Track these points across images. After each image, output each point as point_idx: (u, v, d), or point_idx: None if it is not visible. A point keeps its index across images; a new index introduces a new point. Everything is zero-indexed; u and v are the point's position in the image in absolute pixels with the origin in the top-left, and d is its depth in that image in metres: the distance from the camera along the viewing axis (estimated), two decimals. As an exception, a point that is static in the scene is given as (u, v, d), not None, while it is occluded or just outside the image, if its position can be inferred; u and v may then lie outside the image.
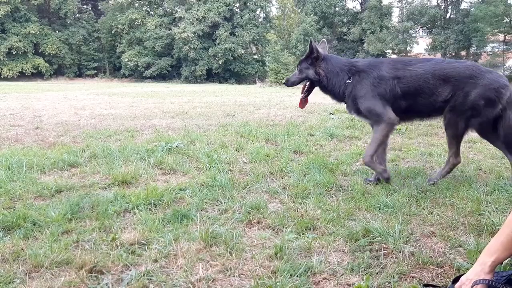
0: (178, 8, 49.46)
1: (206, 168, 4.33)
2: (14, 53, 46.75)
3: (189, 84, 42.65)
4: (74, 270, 2.14)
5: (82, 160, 4.65)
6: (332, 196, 3.46)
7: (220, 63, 47.40)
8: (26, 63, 47.50)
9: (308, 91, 4.01)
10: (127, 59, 48.56)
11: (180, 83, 44.23)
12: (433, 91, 3.59)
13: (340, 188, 3.66)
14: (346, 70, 3.80)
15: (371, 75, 3.69)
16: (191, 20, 46.90)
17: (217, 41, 47.77)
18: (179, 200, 3.37)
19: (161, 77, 49.11)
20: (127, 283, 2.03)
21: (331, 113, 9.40)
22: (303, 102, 4.08)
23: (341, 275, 2.10)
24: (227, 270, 2.15)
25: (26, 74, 47.10)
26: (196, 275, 2.09)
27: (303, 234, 2.63)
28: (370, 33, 45.69)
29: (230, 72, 49.27)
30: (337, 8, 50.37)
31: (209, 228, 2.61)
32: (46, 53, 48.62)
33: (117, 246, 2.45)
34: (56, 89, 24.31)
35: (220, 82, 46.46)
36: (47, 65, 48.81)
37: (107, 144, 5.54)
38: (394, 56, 49.66)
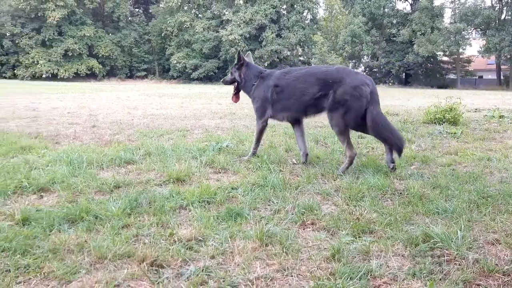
0: (226, 10, 50.12)
1: (256, 168, 4.35)
2: (70, 54, 49.02)
3: (235, 85, 43.05)
4: (136, 263, 2.21)
5: (138, 157, 4.79)
6: (388, 200, 3.38)
7: (266, 65, 47.56)
8: (81, 64, 49.68)
9: (237, 89, 4.97)
10: (175, 61, 49.74)
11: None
12: (303, 92, 4.35)
13: (395, 192, 3.58)
14: (256, 76, 4.71)
15: (265, 82, 4.61)
16: (238, 23, 47.42)
17: (263, 43, 48.01)
18: (231, 199, 3.40)
19: (208, 78, 49.92)
20: (187, 278, 2.07)
21: (381, 116, 9.18)
22: (235, 97, 5.07)
23: (403, 280, 2.05)
24: (285, 270, 2.15)
25: (81, 75, 49.27)
26: (254, 273, 2.10)
27: (359, 237, 2.58)
28: (420, 34, 44.42)
29: (275, 74, 49.36)
30: (386, 9, 49.33)
31: (264, 228, 2.62)
32: (100, 55, 50.66)
33: (175, 242, 2.50)
34: (109, 90, 25.25)
35: (266, 84, 46.65)
36: (100, 66, 50.83)
37: (160, 143, 5.68)
38: (445, 58, 48.09)
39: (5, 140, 5.60)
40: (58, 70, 48.51)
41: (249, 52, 5.30)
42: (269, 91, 4.53)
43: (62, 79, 47.13)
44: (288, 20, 48.91)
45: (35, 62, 48.08)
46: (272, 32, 47.73)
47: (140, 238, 2.58)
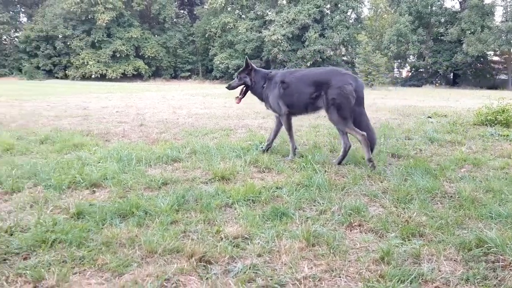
0: (269, 11, 50.12)
1: (300, 168, 4.34)
2: (118, 55, 50.60)
3: (277, 85, 43.03)
4: (185, 258, 2.25)
5: (184, 155, 4.88)
6: (438, 203, 3.28)
7: (309, 65, 47.22)
8: (128, 65, 51.17)
9: (244, 93, 5.30)
10: (218, 62, 50.29)
11: (269, 85, 44.78)
12: (302, 91, 4.79)
13: (446, 195, 3.47)
14: (264, 78, 5.12)
15: (273, 81, 5.03)
16: (281, 23, 47.33)
17: (306, 43, 47.68)
18: (276, 198, 3.41)
19: (250, 78, 50.10)
20: (235, 275, 2.10)
21: (429, 117, 8.93)
22: (240, 99, 5.33)
23: (455, 285, 1.98)
24: (332, 271, 2.13)
25: (128, 75, 50.75)
26: (301, 272, 2.10)
27: (409, 240, 2.52)
28: (470, 33, 42.72)
29: (318, 74, 48.96)
30: (434, 8, 47.75)
31: (310, 228, 2.61)
32: (146, 56, 51.98)
33: (222, 239, 2.54)
34: (155, 90, 25.88)
35: (308, 84, 46.34)
36: (146, 67, 52.15)
37: (205, 142, 5.77)
38: (495, 58, 45.99)
39: (59, 137, 5.85)
40: (107, 70, 50.17)
41: (246, 57, 5.65)
42: (277, 87, 4.96)
43: (110, 80, 48.73)
44: (332, 19, 48.31)
45: (85, 63, 49.97)
46: (315, 32, 47.32)
47: (188, 234, 2.64)
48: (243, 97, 5.32)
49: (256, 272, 2.12)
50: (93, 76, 49.54)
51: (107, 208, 3.01)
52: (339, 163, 4.61)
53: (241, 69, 5.30)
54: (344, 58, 51.91)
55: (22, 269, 2.12)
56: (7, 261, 2.24)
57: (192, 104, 13.40)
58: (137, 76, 51.64)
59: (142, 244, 2.41)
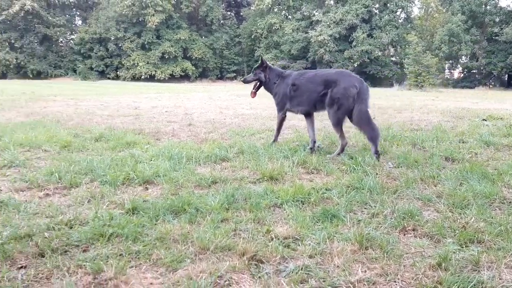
0: (316, 11, 49.79)
1: (350, 170, 4.27)
2: (166, 57, 51.94)
3: (323, 86, 42.62)
4: (236, 257, 2.27)
5: (231, 155, 4.93)
6: (496, 209, 3.13)
7: (356, 65, 46.50)
8: (176, 66, 52.41)
9: (258, 88, 5.87)
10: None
11: (314, 86, 44.47)
12: (312, 90, 5.20)
13: (505, 201, 3.30)
14: (277, 76, 5.63)
15: (285, 81, 5.50)
16: (328, 23, 46.89)
17: (353, 43, 46.98)
18: (326, 200, 3.37)
19: (296, 79, 49.96)
20: (287, 275, 2.09)
21: (484, 119, 8.55)
22: (254, 94, 5.94)
23: (519, 296, 1.88)
24: (387, 275, 2.08)
25: (176, 76, 51.98)
26: (355, 275, 2.06)
27: (466, 246, 2.42)
28: (527, 33, 40.53)
29: (365, 74, 48.02)
30: (488, 7, 45.69)
31: (363, 231, 2.56)
32: (193, 57, 53.06)
33: (272, 239, 2.53)
34: (201, 90, 26.32)
35: (354, 85, 45.58)
36: (194, 68, 53.21)
37: (252, 142, 5.80)
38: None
39: (113, 135, 6.07)
40: (155, 71, 51.61)
41: (260, 55, 6.28)
42: (288, 88, 5.42)
43: (159, 80, 50.08)
44: (381, 19, 47.33)
45: (135, 64, 51.64)
46: (363, 32, 46.53)
47: (238, 232, 2.66)
48: (257, 91, 5.92)
49: (308, 273, 2.11)
50: (142, 77, 51.09)
51: (160, 204, 3.09)
52: (337, 155, 5.00)
53: (256, 65, 5.88)
54: (393, 58, 50.74)
55: (82, 261, 2.21)
56: (67, 252, 2.34)
57: (238, 104, 13.51)
58: (185, 77, 52.75)
59: (194, 241, 2.45)
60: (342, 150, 5.02)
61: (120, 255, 2.29)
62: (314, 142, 5.45)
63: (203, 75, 54.99)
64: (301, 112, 5.55)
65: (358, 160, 4.54)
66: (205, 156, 4.79)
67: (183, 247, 2.40)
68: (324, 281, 2.03)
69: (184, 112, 10.48)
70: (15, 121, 7.70)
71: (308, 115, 5.56)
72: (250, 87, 6.15)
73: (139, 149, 5.21)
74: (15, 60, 50.72)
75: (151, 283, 2.04)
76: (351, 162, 4.50)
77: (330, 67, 47.14)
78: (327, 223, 2.82)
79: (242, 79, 6.12)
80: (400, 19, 50.42)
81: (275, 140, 5.80)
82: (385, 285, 2.00)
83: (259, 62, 5.83)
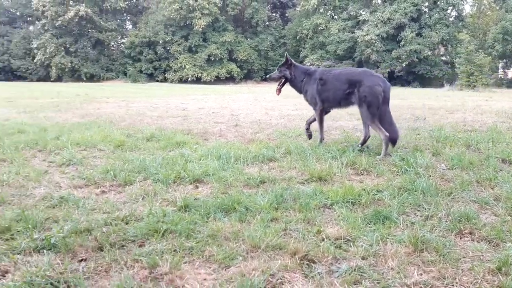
0: (363, 11, 48.90)
1: (402, 172, 4.16)
2: (212, 59, 52.70)
3: (369, 87, 41.77)
4: (288, 256, 2.27)
5: (279, 155, 4.94)
6: (562, 214, 2.95)
7: (404, 65, 45.23)
8: (222, 68, 53.06)
9: (282, 85, 5.98)
10: (309, 63, 50.16)
11: (360, 87, 43.68)
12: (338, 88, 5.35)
13: None
14: (303, 73, 5.74)
15: (312, 77, 5.62)
16: (375, 22, 45.90)
17: (402, 43, 45.69)
18: (377, 202, 3.30)
19: (338, 80, 49.25)
20: (339, 275, 2.07)
21: (544, 120, 8.09)
22: (279, 90, 6.06)
23: None
24: (444, 278, 2.01)
25: (221, 78, 52.63)
26: (410, 278, 2.01)
27: (528, 252, 2.30)
28: None
29: (414, 74, 46.65)
30: (546, 2, 43.18)
31: (417, 233, 2.49)
32: (238, 59, 53.52)
33: (323, 239, 2.51)
34: (246, 92, 26.51)
35: (402, 86, 44.29)
36: (239, 70, 53.66)
37: (299, 142, 5.78)
38: None
39: (163, 135, 6.23)
40: (202, 74, 52.47)
41: (286, 53, 6.61)
42: (315, 83, 5.53)
43: (205, 82, 50.91)
44: (430, 18, 45.78)
45: (183, 66, 52.74)
46: (411, 31, 45.17)
47: (288, 232, 2.66)
48: (281, 87, 6.04)
49: (361, 275, 2.08)
50: (189, 79, 52.09)
51: (210, 202, 3.14)
52: (361, 145, 5.36)
53: (281, 63, 5.98)
54: (443, 58, 48.91)
55: (138, 256, 2.28)
56: (124, 247, 2.43)
57: (284, 105, 13.49)
58: (230, 78, 53.30)
59: (245, 239, 2.48)
60: (387, 143, 5.02)
61: (174, 250, 2.35)
62: (310, 135, 5.96)
63: (248, 76, 55.33)
64: (326, 108, 5.71)
65: (410, 161, 4.42)
66: (252, 156, 4.82)
67: (235, 244, 2.43)
68: (378, 282, 1.99)
69: (230, 113, 10.60)
70: (71, 121, 8.07)
71: (326, 113, 5.83)
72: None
73: (188, 149, 5.32)
74: (70, 64, 53.18)
75: (204, 279, 2.08)
76: (403, 164, 4.39)
77: (378, 67, 46.22)
78: (379, 224, 2.76)
79: (268, 76, 6.26)
80: (451, 17, 48.53)
81: (321, 139, 5.80)
82: (442, 289, 1.94)
83: (284, 59, 5.97)
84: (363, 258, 2.26)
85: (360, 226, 2.72)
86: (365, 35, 45.51)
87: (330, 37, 49.23)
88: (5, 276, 2.10)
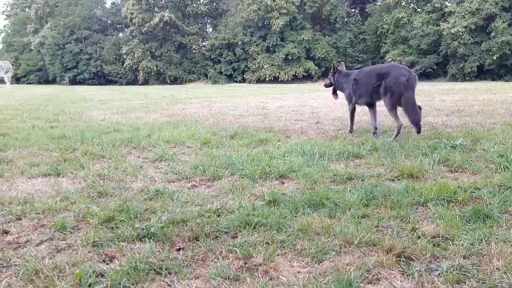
0: (449, 2, 46.14)
1: (501, 169, 3.87)
2: (289, 58, 52.81)
3: (456, 82, 39.39)
4: (382, 252, 2.21)
5: (364, 152, 4.82)
6: None
7: (495, 58, 41.98)
8: (299, 67, 52.96)
9: (334, 90, 6.86)
10: (390, 59, 48.35)
11: (446, 82, 41.34)
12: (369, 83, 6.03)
13: None
14: (344, 76, 6.55)
15: (349, 78, 6.38)
16: (462, 14, 43.10)
17: (492, 34, 42.44)
18: (475, 200, 3.11)
19: (425, 75, 46.89)
20: (440, 274, 1.97)
21: None
22: (335, 95, 6.92)
23: None
24: (562, 283, 1.84)
25: (298, 77, 52.54)
26: (522, 280, 1.87)
27: None
28: None
29: (506, 68, 43.06)
30: None
31: (525, 234, 2.30)
32: (316, 57, 53.08)
33: (419, 237, 2.42)
34: (325, 90, 26.07)
35: (493, 80, 41.14)
36: (316, 68, 53.21)
37: (385, 139, 5.60)
38: None
39: (246, 133, 6.36)
40: (279, 73, 52.76)
41: (342, 62, 7.78)
42: (351, 83, 6.30)
43: (282, 82, 51.11)
44: (525, 5, 42.10)
45: (261, 67, 53.42)
46: (503, 22, 41.75)
47: (381, 229, 2.58)
48: (335, 92, 6.87)
49: (464, 274, 1.96)
50: (267, 79, 52.62)
51: (298, 198, 3.15)
52: (395, 137, 5.71)
53: (330, 72, 6.95)
54: (541, 48, 44.64)
55: (232, 246, 2.35)
56: (218, 238, 2.51)
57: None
58: (307, 77, 53.04)
59: (337, 234, 2.45)
60: (399, 131, 5.79)
61: (267, 243, 2.39)
62: (376, 128, 6.29)
63: (325, 74, 54.48)
64: (363, 103, 6.35)
65: (510, 158, 4.10)
66: (337, 153, 4.76)
67: (326, 239, 2.41)
68: (483, 282, 1.87)
69: (310, 110, 10.54)
70: (160, 121, 8.51)
71: (370, 106, 6.31)
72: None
73: (271, 146, 5.37)
74: (155, 68, 56.25)
75: (298, 272, 2.08)
76: (502, 160, 4.08)
77: (465, 61, 43.49)
78: (480, 223, 2.60)
79: (324, 85, 7.40)
80: (550, 4, 44.22)
81: (351, 130, 6.52)
82: (561, 293, 1.77)
83: (332, 68, 6.91)
84: (464, 257, 2.14)
85: (458, 225, 2.58)
86: (451, 28, 42.87)
87: (413, 31, 47.04)
88: (112, 261, 2.26)
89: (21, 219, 2.89)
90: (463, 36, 42.48)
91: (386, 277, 1.99)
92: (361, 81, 6.16)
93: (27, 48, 69.94)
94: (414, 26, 46.87)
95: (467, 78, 42.89)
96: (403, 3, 50.07)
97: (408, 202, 3.03)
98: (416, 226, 2.56)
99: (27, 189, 3.62)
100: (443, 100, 12.85)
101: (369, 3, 56.10)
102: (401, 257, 2.15)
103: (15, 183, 3.84)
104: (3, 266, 2.21)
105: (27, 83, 65.03)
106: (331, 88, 6.92)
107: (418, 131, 5.74)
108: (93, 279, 2.04)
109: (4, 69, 41.03)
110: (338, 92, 6.80)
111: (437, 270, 2.01)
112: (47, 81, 66.91)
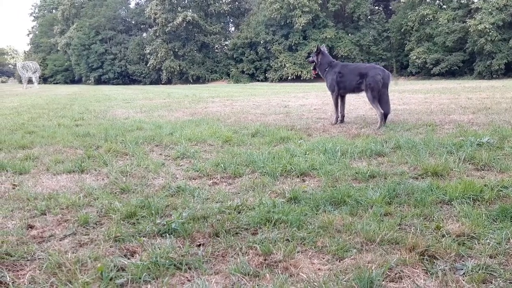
0: (475, -2, 45.14)
1: (530, 168, 3.75)
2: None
3: (482, 80, 38.45)
4: (405, 250, 2.17)
5: (387, 150, 4.75)
6: None
7: (523, 55, 40.84)
8: (321, 65, 52.65)
9: (314, 67, 7.81)
10: (415, 57, 47.59)
11: (472, 79, 40.39)
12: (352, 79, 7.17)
13: None
14: (327, 63, 7.50)
15: (333, 70, 7.38)
16: (489, 10, 42.05)
17: (521, 30, 41.31)
18: (502, 198, 3.02)
19: (451, 73, 46.00)
20: (464, 273, 1.92)
21: None
22: (314, 71, 7.96)
23: None
24: None
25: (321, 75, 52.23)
26: (551, 281, 1.80)
27: None
28: None
29: (535, 65, 41.92)
30: None
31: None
32: (339, 55, 52.60)
33: (444, 235, 2.36)
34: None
35: (522, 77, 40.10)
36: (339, 66, 52.78)
37: (408, 137, 5.50)
38: None
39: (267, 131, 6.34)
40: (301, 72, 52.56)
41: (323, 44, 8.63)
42: (335, 75, 7.28)
43: (304, 80, 50.89)
44: (557, 0, 40.77)
45: (283, 65, 53.35)
46: (533, 17, 40.64)
47: (404, 227, 2.53)
48: (314, 69, 7.83)
49: (490, 273, 1.90)
50: (289, 78, 52.49)
51: (319, 195, 3.12)
52: (380, 126, 6.65)
53: (314, 51, 7.73)
54: None
55: (252, 243, 2.34)
56: (238, 234, 2.51)
57: (390, 100, 12.93)
58: (329, 76, 52.60)
59: (358, 232, 2.42)
60: (382, 119, 6.75)
61: (287, 240, 2.37)
62: (343, 116, 7.49)
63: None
64: (342, 94, 7.43)
65: (540, 156, 3.97)
66: (359, 151, 4.69)
67: (348, 237, 2.37)
68: (511, 282, 1.81)
69: (333, 109, 10.42)
70: (182, 119, 8.57)
71: (343, 97, 7.48)
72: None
73: (293, 143, 5.34)
74: (178, 67, 56.83)
75: (319, 269, 2.06)
76: (530, 159, 3.96)
77: (493, 58, 42.48)
78: (507, 222, 2.52)
79: (306, 59, 8.39)
80: None
81: (336, 118, 7.43)
82: None
83: (316, 48, 7.73)
84: (491, 257, 2.08)
85: (484, 223, 2.50)
86: (478, 24, 41.89)
87: (438, 28, 46.17)
88: (133, 256, 2.28)
89: (45, 214, 2.95)
90: (490, 33, 41.50)
91: (408, 276, 1.95)
92: (346, 76, 7.21)
93: (54, 49, 71.78)
94: (439, 23, 46.02)
95: (494, 76, 41.85)
96: (428, 0, 49.17)
97: (432, 200, 2.97)
98: (441, 225, 2.50)
99: (52, 185, 3.69)
100: (469, 98, 12.57)
101: (393, 0, 55.30)
102: (424, 256, 2.11)
103: (41, 179, 3.93)
104: (28, 260, 2.25)
105: (54, 83, 66.68)
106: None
107: (384, 122, 6.77)
108: (114, 273, 2.06)
109: (32, 69, 42.20)
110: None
111: (462, 269, 1.96)
112: (73, 81, 68.51)
